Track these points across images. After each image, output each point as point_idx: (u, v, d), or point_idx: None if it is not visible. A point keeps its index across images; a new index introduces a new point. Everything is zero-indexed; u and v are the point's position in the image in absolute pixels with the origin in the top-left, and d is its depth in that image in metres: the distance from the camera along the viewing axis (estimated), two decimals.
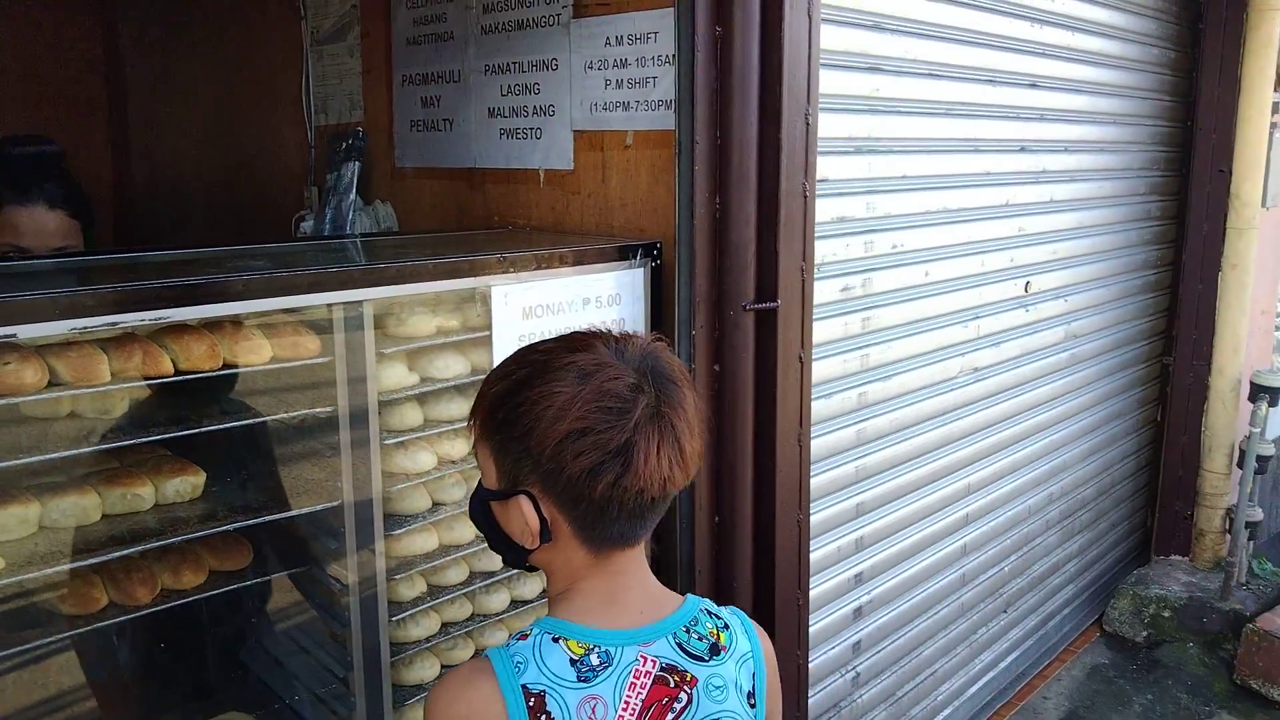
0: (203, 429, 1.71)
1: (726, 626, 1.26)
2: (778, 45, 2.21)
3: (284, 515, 1.80)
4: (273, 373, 1.79)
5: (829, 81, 2.56)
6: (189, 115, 4.26)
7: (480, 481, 1.26)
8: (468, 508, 1.33)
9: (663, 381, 1.17)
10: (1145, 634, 4.18)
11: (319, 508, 1.82)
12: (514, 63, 2.70)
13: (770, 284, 2.32)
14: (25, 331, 1.39)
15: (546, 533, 1.18)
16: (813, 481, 2.68)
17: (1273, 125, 4.25)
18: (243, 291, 1.63)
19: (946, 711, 3.47)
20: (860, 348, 2.86)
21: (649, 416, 1.14)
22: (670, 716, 1.17)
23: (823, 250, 2.64)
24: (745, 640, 1.27)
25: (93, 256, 2.01)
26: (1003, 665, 3.77)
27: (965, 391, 3.32)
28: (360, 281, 1.78)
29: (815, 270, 2.58)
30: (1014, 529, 3.71)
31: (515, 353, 1.25)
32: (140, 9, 4.56)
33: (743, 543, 2.37)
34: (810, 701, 2.81)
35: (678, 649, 1.20)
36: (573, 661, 1.16)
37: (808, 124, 2.31)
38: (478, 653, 2.19)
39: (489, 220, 2.83)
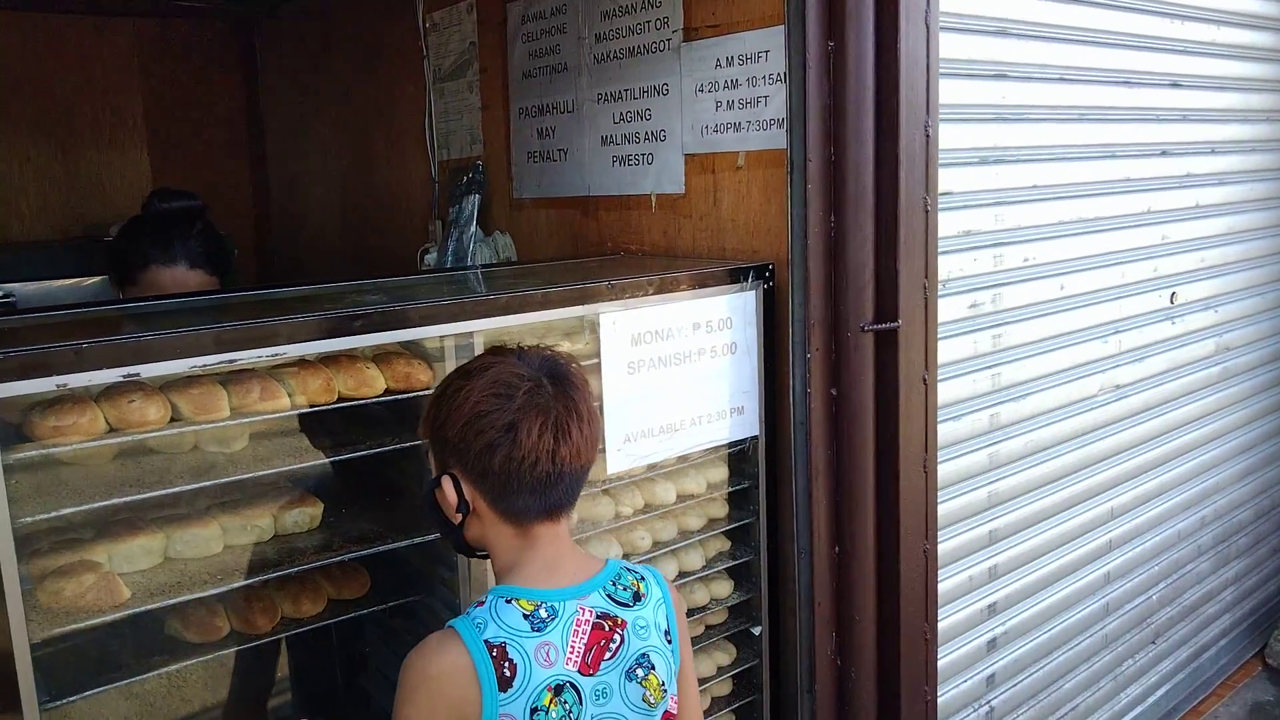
0: (319, 461, 1.74)
1: (643, 579, 1.50)
2: (893, 57, 2.14)
3: (398, 545, 1.82)
4: (389, 404, 1.81)
5: (951, 91, 2.46)
6: (324, 157, 4.43)
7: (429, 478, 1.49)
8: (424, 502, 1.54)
9: (555, 377, 1.42)
10: None
11: (431, 537, 1.83)
12: (625, 90, 2.70)
13: (890, 303, 2.23)
14: (147, 371, 1.45)
15: (464, 505, 1.41)
16: (941, 508, 2.57)
17: None
18: (356, 327, 1.66)
19: None
20: (991, 366, 2.73)
21: (531, 400, 1.38)
22: (609, 654, 1.41)
23: (948, 266, 2.54)
24: (658, 589, 1.51)
25: (216, 295, 2.09)
26: (1151, 700, 3.54)
27: (1106, 410, 3.14)
28: (470, 314, 1.79)
29: (942, 286, 2.48)
30: (1162, 555, 3.48)
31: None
32: (278, 56, 4.79)
33: (864, 573, 2.28)
34: None
35: (608, 599, 1.44)
36: (525, 616, 1.38)
37: (928, 136, 2.23)
38: None
39: (602, 247, 2.83)
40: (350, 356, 1.75)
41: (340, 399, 1.72)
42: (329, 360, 1.74)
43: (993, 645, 2.86)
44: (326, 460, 1.78)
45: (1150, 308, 3.25)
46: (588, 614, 1.41)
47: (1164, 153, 3.23)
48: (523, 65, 3.04)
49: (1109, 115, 3.01)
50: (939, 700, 2.63)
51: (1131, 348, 3.18)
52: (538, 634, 1.37)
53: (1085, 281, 2.98)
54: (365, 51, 3.95)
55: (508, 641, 1.35)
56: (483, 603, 1.41)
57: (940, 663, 2.63)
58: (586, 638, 1.40)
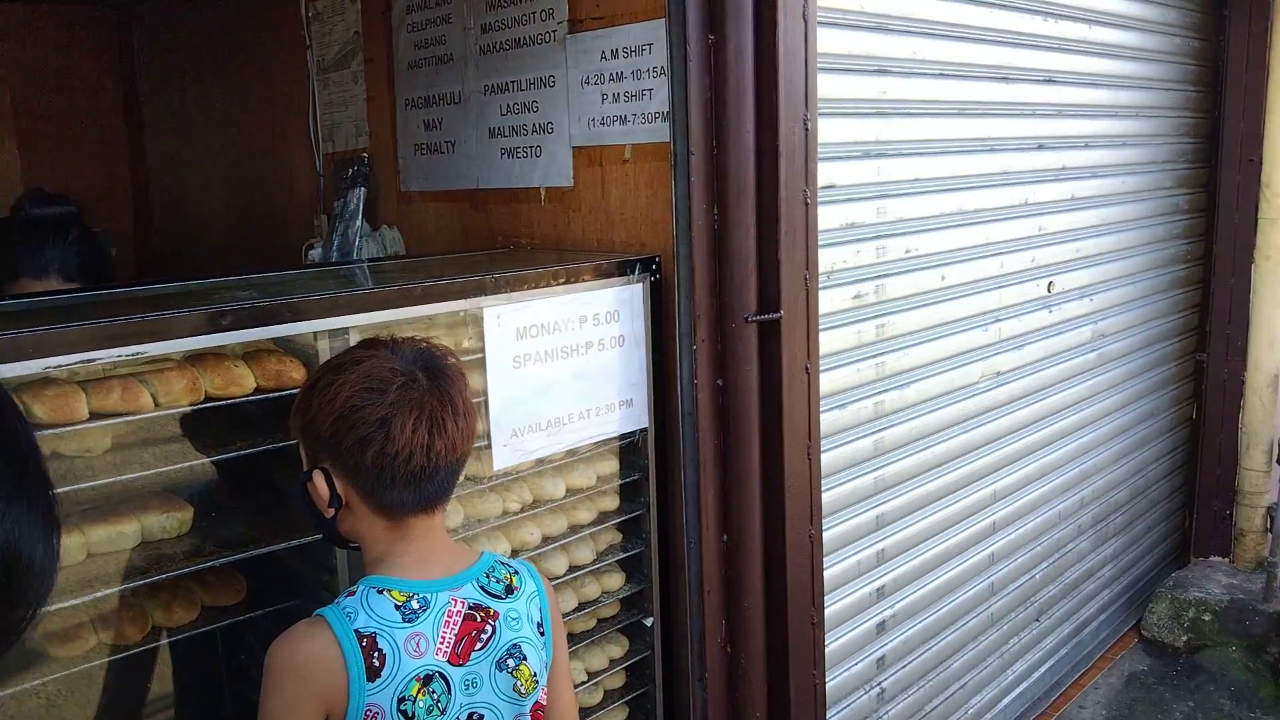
0: (187, 464, 1.68)
1: (516, 572, 1.51)
2: (772, 51, 2.16)
3: (274, 548, 1.77)
4: (260, 403, 1.76)
5: (833, 86, 2.50)
6: (206, 150, 4.28)
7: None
8: (295, 496, 1.52)
9: (430, 370, 1.41)
10: (1185, 639, 4.06)
11: (309, 539, 1.78)
12: (512, 81, 2.67)
13: (773, 294, 2.26)
14: None
15: (336, 499, 1.40)
16: (829, 494, 2.62)
17: None
18: (222, 324, 1.61)
19: None
20: (875, 356, 2.79)
21: (405, 395, 1.37)
22: (480, 644, 1.41)
23: (832, 257, 2.58)
24: (532, 582, 1.52)
25: (79, 293, 2.00)
26: (1036, 675, 3.67)
27: (988, 397, 3.24)
28: (345, 308, 1.75)
29: (825, 278, 2.53)
30: (1044, 535, 3.61)
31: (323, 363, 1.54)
32: (155, 46, 4.61)
33: (752, 561, 2.31)
34: (832, 719, 2.75)
35: (481, 591, 1.45)
36: (397, 607, 1.38)
37: (806, 129, 2.26)
38: None
39: (491, 240, 2.80)
40: (218, 355, 1.70)
41: (208, 399, 1.67)
42: (196, 359, 1.68)
43: (882, 628, 2.93)
44: (196, 463, 1.72)
45: (1029, 296, 3.37)
46: (460, 605, 1.42)
47: (1040, 146, 3.34)
48: (408, 56, 2.99)
49: (987, 110, 3.10)
50: (831, 683, 2.69)
51: (1011, 335, 3.29)
52: (409, 625, 1.37)
53: (966, 272, 3.07)
54: (247, 41, 3.83)
55: (378, 631, 1.35)
56: (353, 592, 1.40)
57: (831, 646, 2.68)
58: (458, 628, 1.40)
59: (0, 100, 4.46)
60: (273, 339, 1.76)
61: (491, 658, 1.42)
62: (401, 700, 1.34)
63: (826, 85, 2.43)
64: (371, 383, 1.37)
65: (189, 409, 1.64)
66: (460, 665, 1.39)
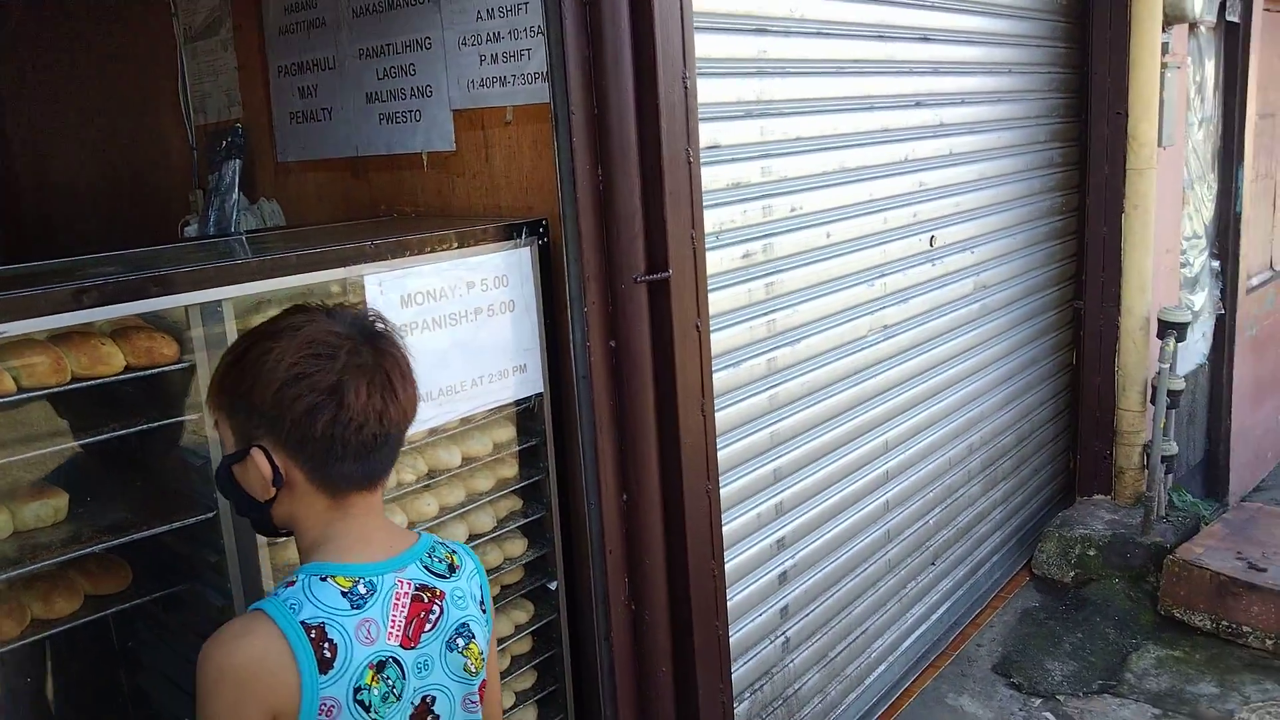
0: (58, 448, 1.61)
1: (455, 551, 1.47)
2: (647, 9, 2.16)
3: (156, 531, 1.71)
4: (133, 382, 1.70)
5: (713, 45, 2.51)
6: (73, 123, 4.08)
7: (223, 453, 1.36)
8: (215, 481, 1.43)
9: (371, 335, 1.33)
10: (1073, 574, 4.25)
11: (193, 520, 1.73)
12: (387, 45, 2.61)
13: (661, 255, 2.27)
14: None
15: (279, 478, 1.29)
16: (726, 450, 2.66)
17: (1163, 65, 4.30)
18: (83, 300, 1.54)
19: (881, 668, 3.49)
20: (766, 313, 2.83)
21: (355, 360, 1.29)
22: (429, 625, 1.36)
23: (720, 217, 2.60)
24: (470, 561, 1.48)
25: None
26: (935, 617, 3.81)
27: (876, 350, 3.32)
28: (216, 280, 1.69)
29: (713, 238, 2.55)
30: (936, 482, 3.73)
31: (245, 331, 1.42)
32: (11, 16, 4.35)
33: (652, 519, 2.33)
34: (740, 671, 2.80)
35: (425, 571, 1.39)
36: (344, 594, 1.30)
37: (686, 88, 2.26)
38: None
39: (374, 209, 2.75)
40: (84, 334, 1.63)
41: (74, 379, 1.60)
42: (60, 339, 1.61)
43: (784, 578, 3.00)
44: (66, 446, 1.65)
45: (912, 251, 3.45)
46: (407, 586, 1.35)
47: (918, 104, 3.42)
48: (279, 21, 2.89)
49: (866, 68, 3.15)
50: (736, 635, 2.74)
51: (896, 289, 3.37)
52: (358, 611, 1.29)
53: (851, 229, 3.13)
54: (109, 8, 3.65)
55: (326, 621, 1.27)
56: (293, 582, 1.31)
57: (734, 599, 2.73)
58: (406, 610, 1.34)
59: None
60: (141, 315, 1.69)
61: (441, 638, 1.37)
62: (357, 690, 1.27)
63: (706, 45, 2.44)
64: (317, 348, 1.28)
65: (56, 390, 1.57)
66: (412, 648, 1.33)
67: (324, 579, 1.30)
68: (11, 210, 4.63)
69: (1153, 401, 4.35)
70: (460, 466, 2.22)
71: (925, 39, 3.42)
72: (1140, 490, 4.51)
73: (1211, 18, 4.91)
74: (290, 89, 2.92)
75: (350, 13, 2.68)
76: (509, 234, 2.22)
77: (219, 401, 1.34)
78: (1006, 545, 4.35)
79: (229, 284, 1.69)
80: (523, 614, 2.41)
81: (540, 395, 2.33)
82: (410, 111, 2.58)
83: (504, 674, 2.38)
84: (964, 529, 3.98)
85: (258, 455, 1.29)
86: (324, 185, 2.90)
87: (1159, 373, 4.25)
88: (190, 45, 3.26)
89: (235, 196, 2.94)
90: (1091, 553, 4.25)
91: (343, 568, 1.31)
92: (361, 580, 1.32)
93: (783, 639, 3.01)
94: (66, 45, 3.99)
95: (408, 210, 2.65)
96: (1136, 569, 4.16)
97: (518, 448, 2.36)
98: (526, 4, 2.26)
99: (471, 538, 2.26)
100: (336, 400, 1.27)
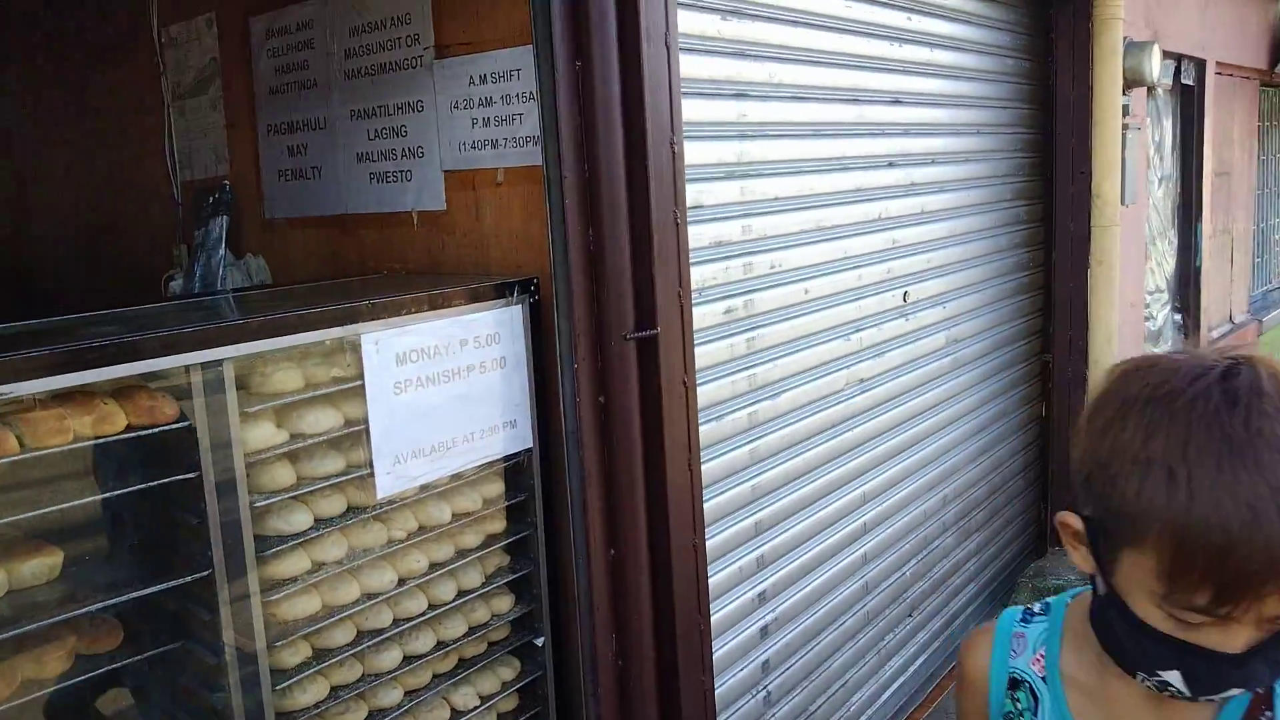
0: (55, 507, 1.62)
1: None
2: (637, 76, 2.23)
3: (150, 590, 1.72)
4: (133, 442, 1.71)
5: (696, 110, 2.59)
6: (55, 177, 4.09)
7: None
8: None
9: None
10: None
11: (189, 579, 1.74)
12: (379, 106, 2.67)
13: (649, 312, 2.32)
14: None
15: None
16: (709, 504, 2.69)
17: (1124, 127, 4.46)
18: (90, 360, 1.56)
19: None
20: (747, 368, 2.88)
21: None
22: None
23: (703, 274, 2.66)
24: None
25: None
26: (912, 669, 3.83)
27: (853, 403, 3.38)
28: (217, 340, 1.72)
29: (697, 294, 2.60)
30: (912, 534, 3.78)
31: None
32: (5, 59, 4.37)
33: (639, 574, 2.36)
34: None
35: None
36: None
37: (674, 152, 2.33)
38: (371, 714, 2.12)
39: (363, 267, 2.78)
40: (86, 394, 1.64)
41: (76, 439, 1.61)
42: (63, 399, 1.62)
43: (765, 632, 3.02)
44: (65, 506, 1.65)
45: (886, 306, 3.53)
46: None
47: (891, 164, 3.52)
48: (269, 81, 2.94)
49: (841, 131, 3.25)
50: (719, 689, 2.75)
51: (871, 344, 3.45)
52: None
53: (827, 285, 3.20)
54: (97, 65, 3.68)
55: None
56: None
57: (717, 653, 2.75)
58: None
59: None
60: (142, 376, 1.71)
61: None
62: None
63: (690, 109, 2.52)
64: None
65: (60, 449, 1.58)
66: None
67: None
68: None
69: None
70: (450, 522, 2.24)
71: (897, 101, 3.53)
72: None
73: (1168, 80, 5.11)
74: (279, 147, 2.96)
75: (342, 75, 2.73)
76: (501, 292, 2.26)
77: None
78: (981, 596, 4.39)
79: (230, 344, 1.72)
80: (509, 671, 2.42)
81: (530, 451, 2.36)
82: (401, 171, 2.63)
83: None
84: (939, 580, 4.02)
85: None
86: (312, 242, 2.93)
87: None
88: (178, 103, 3.30)
89: (222, 252, 2.96)
90: None
91: None
92: None
93: (764, 693, 3.03)
94: (55, 98, 4.02)
95: (398, 268, 2.69)
96: None
97: (506, 503, 2.38)
98: (519, 70, 2.33)
99: (460, 594, 2.28)
100: None
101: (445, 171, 2.54)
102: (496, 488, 2.36)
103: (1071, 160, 4.52)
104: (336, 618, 2.00)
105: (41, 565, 1.68)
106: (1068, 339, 4.64)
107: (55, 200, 4.12)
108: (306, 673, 1.95)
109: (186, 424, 1.73)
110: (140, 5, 3.31)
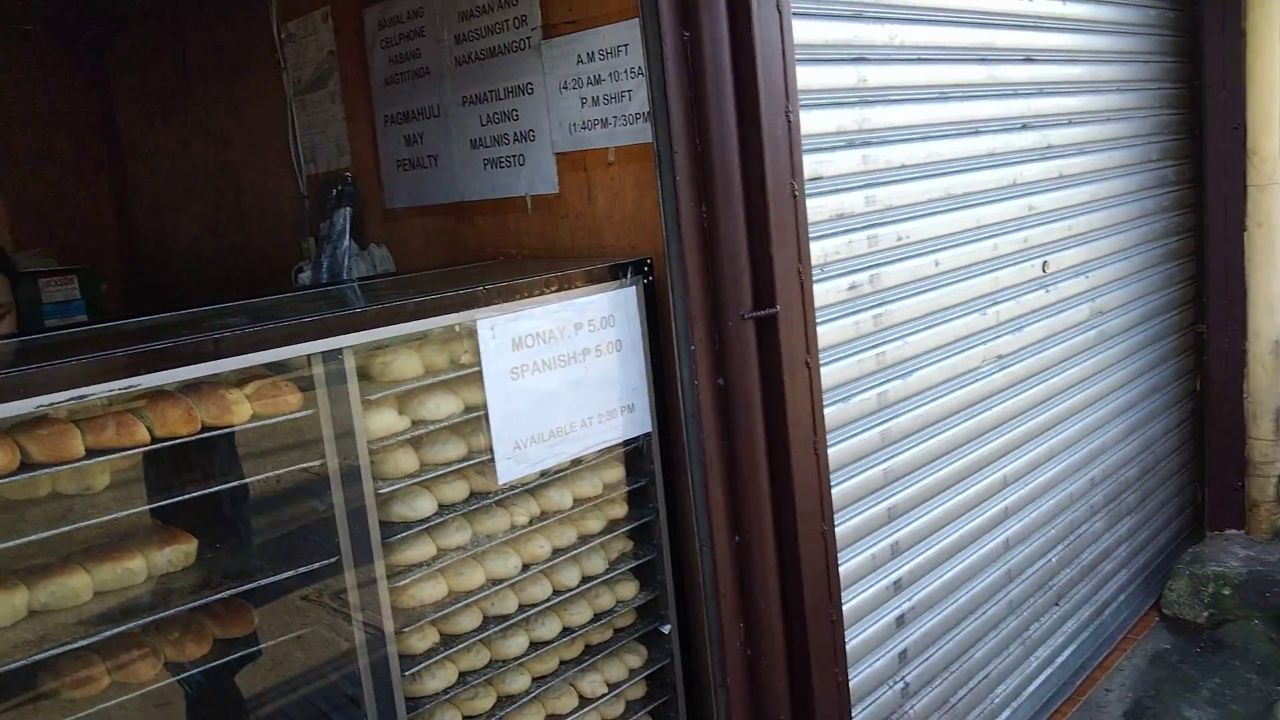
0: (187, 495, 1.65)
1: None
2: (749, 44, 2.14)
3: (281, 577, 1.74)
4: (261, 430, 1.74)
5: (811, 77, 2.48)
6: (189, 176, 4.27)
7: None
8: None
9: None
10: (1207, 614, 4.02)
11: (317, 565, 1.76)
12: (490, 91, 2.66)
13: (767, 290, 2.24)
14: None
15: None
16: (838, 489, 2.59)
17: None
18: (214, 351, 1.58)
19: (1005, 714, 3.34)
20: (875, 346, 2.76)
21: None
22: None
23: (824, 249, 2.56)
24: None
25: (67, 330, 1.97)
26: (1060, 660, 3.63)
27: (991, 381, 3.21)
28: (337, 329, 1.72)
29: (819, 270, 2.50)
30: (1058, 518, 3.58)
31: None
32: (130, 76, 4.59)
33: (765, 561, 2.28)
34: (858, 718, 2.71)
35: None
36: None
37: (789, 121, 2.24)
38: (499, 700, 2.11)
39: (481, 253, 2.78)
40: (212, 384, 1.67)
41: (204, 429, 1.64)
42: (190, 389, 1.66)
43: (901, 621, 2.90)
44: (196, 494, 1.69)
45: (1024, 278, 3.34)
46: None
47: (1024, 126, 3.33)
48: (384, 72, 2.97)
49: (969, 92, 3.08)
50: (854, 680, 2.65)
51: (1009, 318, 3.27)
52: None
53: (960, 256, 3.04)
54: (222, 65, 3.82)
55: None
56: None
57: (851, 643, 2.65)
58: None
59: None
60: (266, 365, 1.73)
61: None
62: None
63: (805, 76, 2.41)
64: None
65: (187, 439, 1.61)
66: None
67: None
68: (134, 263, 4.86)
69: None
70: (572, 508, 2.21)
71: (1029, 59, 3.33)
72: (1277, 524, 4.25)
73: None
74: (397, 137, 2.99)
75: (453, 61, 2.73)
76: (615, 274, 2.22)
77: None
78: (1133, 584, 4.14)
79: (349, 332, 1.72)
80: (636, 658, 2.38)
81: (648, 435, 2.31)
82: (514, 156, 2.62)
83: None
84: (1088, 567, 3.80)
85: None
86: (431, 230, 2.95)
87: None
88: (299, 98, 3.37)
89: (347, 243, 3.02)
90: (1226, 591, 4.01)
91: None
92: None
93: (902, 684, 2.91)
94: (181, 104, 4.18)
95: (513, 253, 2.68)
96: (1278, 609, 3.91)
97: (627, 488, 2.34)
98: (626, 46, 2.27)
99: (584, 580, 2.25)
100: None
101: (557, 154, 2.51)
102: (617, 472, 2.32)
103: (1223, 115, 4.20)
104: (463, 603, 2.00)
105: (177, 553, 1.73)
106: (1224, 309, 4.32)
107: (192, 207, 4.30)
108: (435, 658, 1.95)
109: (310, 413, 1.74)
110: (260, 2, 3.40)
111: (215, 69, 3.88)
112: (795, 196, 2.26)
